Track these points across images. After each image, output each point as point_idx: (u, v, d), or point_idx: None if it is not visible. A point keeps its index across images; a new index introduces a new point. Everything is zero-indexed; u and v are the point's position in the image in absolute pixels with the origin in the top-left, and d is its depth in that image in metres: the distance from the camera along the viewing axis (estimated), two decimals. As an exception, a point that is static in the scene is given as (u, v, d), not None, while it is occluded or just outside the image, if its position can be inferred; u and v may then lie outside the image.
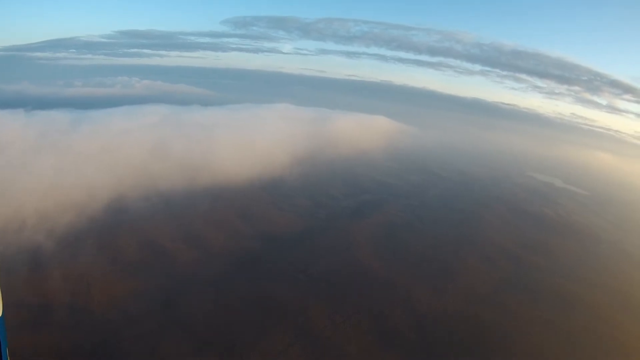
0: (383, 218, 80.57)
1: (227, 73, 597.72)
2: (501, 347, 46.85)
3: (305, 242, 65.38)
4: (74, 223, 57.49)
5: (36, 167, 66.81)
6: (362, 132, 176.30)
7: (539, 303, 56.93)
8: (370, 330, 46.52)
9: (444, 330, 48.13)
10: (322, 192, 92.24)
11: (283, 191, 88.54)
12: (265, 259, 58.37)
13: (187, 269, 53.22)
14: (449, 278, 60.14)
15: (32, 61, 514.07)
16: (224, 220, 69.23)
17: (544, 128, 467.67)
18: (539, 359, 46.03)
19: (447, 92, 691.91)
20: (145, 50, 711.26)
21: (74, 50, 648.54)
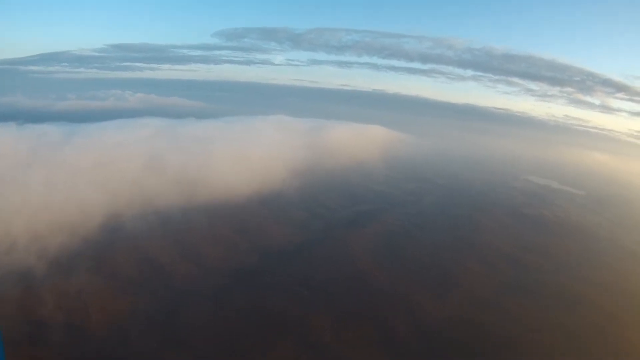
0: (381, 227, 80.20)
1: (219, 85, 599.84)
2: (507, 351, 46.41)
3: (303, 253, 64.86)
4: (67, 243, 55.64)
5: (27, 183, 64.87)
6: (358, 141, 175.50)
7: (542, 305, 56.67)
8: (373, 339, 46.27)
9: (448, 336, 47.83)
10: (318, 203, 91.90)
11: (280, 203, 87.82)
12: (264, 272, 57.86)
13: (186, 285, 52.57)
14: (450, 284, 60.09)
15: (25, 75, 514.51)
16: (222, 234, 68.48)
17: (537, 131, 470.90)
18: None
19: (440, 99, 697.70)
20: (137, 64, 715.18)
21: (67, 64, 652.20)
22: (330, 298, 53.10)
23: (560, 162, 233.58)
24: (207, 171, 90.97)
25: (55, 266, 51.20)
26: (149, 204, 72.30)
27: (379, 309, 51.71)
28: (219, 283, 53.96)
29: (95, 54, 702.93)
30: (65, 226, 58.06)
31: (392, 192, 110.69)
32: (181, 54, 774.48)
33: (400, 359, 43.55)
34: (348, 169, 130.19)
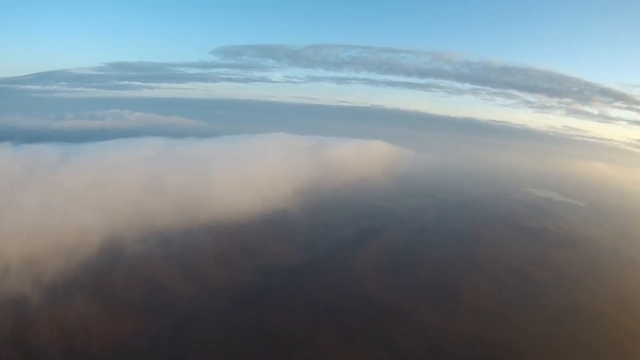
0: (385, 244, 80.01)
1: (218, 103, 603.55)
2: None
3: (308, 272, 64.33)
4: (63, 267, 53.15)
5: (21, 205, 62.24)
6: (360, 157, 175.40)
7: (552, 318, 56.19)
8: (383, 359, 45.36)
9: (459, 354, 47.11)
10: (322, 221, 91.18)
11: (283, 222, 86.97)
12: (268, 292, 57.15)
13: (189, 306, 51.55)
14: (457, 299, 59.54)
15: (23, 94, 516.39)
16: (225, 254, 67.64)
17: (536, 142, 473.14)
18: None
19: (438, 114, 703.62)
20: (135, 82, 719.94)
21: (65, 83, 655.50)
22: (336, 317, 52.25)
23: (561, 173, 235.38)
24: (208, 191, 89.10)
25: (51, 292, 49.42)
26: (149, 225, 70.28)
27: (387, 328, 50.74)
28: (223, 304, 52.95)
29: (94, 73, 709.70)
30: (61, 250, 55.64)
31: (394, 208, 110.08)
32: (179, 72, 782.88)
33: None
34: (351, 185, 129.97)
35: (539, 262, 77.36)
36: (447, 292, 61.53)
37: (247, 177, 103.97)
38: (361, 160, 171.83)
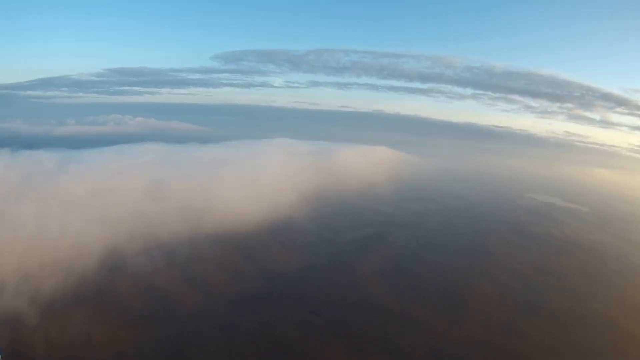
0: (389, 250, 79.60)
1: (219, 109, 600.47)
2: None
3: (313, 279, 63.81)
4: (62, 281, 50.60)
5: (18, 215, 59.42)
6: (363, 163, 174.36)
7: (559, 326, 55.69)
8: None
9: None
10: (326, 226, 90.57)
11: (287, 228, 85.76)
12: (273, 299, 56.44)
13: (192, 314, 50.70)
14: (464, 306, 59.08)
15: (24, 100, 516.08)
16: (229, 261, 66.68)
17: (538, 148, 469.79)
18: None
19: (439, 118, 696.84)
20: (136, 88, 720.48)
21: (66, 89, 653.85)
22: (342, 325, 51.53)
23: (563, 179, 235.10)
24: (212, 198, 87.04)
25: (51, 304, 47.42)
26: (151, 234, 68.05)
27: (394, 335, 50.01)
28: (227, 312, 52.17)
29: (94, 79, 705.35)
30: (60, 263, 52.81)
31: (397, 214, 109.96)
32: (180, 77, 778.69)
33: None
34: (355, 191, 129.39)
35: (545, 268, 77.03)
36: (453, 298, 61.02)
37: (251, 183, 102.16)
38: (365, 165, 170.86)
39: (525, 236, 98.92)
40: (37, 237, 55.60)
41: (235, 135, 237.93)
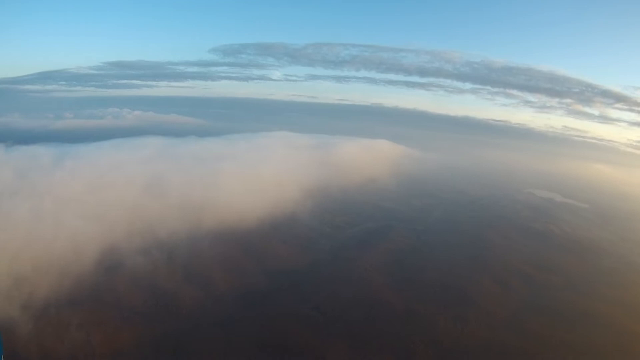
0: (391, 245, 78.80)
1: (217, 102, 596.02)
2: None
3: (314, 276, 62.87)
4: (57, 283, 48.59)
5: (11, 213, 57.42)
6: (365, 157, 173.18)
7: (562, 324, 55.27)
8: None
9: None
10: (328, 222, 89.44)
11: (290, 224, 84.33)
12: (275, 296, 55.53)
13: (193, 312, 49.73)
14: (467, 304, 58.36)
15: (23, 94, 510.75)
16: (230, 258, 65.42)
17: (536, 142, 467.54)
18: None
19: (438, 112, 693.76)
20: (134, 81, 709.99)
21: (64, 83, 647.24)
22: (344, 321, 50.83)
23: (561, 173, 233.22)
24: (212, 192, 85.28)
25: (48, 305, 45.86)
26: (150, 231, 66.28)
27: (399, 334, 49.28)
28: (228, 309, 51.38)
29: (93, 72, 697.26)
30: (55, 264, 50.85)
31: (397, 209, 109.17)
32: (178, 70, 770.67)
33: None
34: (356, 185, 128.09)
35: (546, 265, 76.55)
36: (455, 295, 60.45)
37: (251, 177, 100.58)
38: (366, 159, 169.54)
39: (526, 232, 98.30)
40: (31, 236, 53.75)
41: (234, 128, 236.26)
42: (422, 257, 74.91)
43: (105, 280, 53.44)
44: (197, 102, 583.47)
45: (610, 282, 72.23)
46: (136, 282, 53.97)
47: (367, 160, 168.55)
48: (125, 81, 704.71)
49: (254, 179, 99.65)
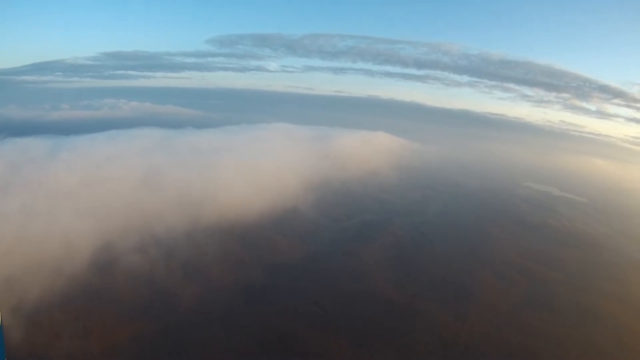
0: (390, 239, 78.94)
1: (214, 93, 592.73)
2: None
3: (314, 270, 62.09)
4: (50, 283, 47.24)
5: (1, 210, 55.66)
6: (364, 149, 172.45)
7: (562, 319, 55.51)
8: None
9: (474, 354, 45.95)
10: (326, 215, 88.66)
11: (289, 218, 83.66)
12: (274, 291, 54.92)
13: (193, 308, 49.12)
14: (468, 298, 58.30)
15: (19, 85, 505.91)
16: (229, 252, 64.73)
17: (533, 136, 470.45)
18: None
19: (434, 105, 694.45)
20: (131, 72, 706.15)
21: (60, 73, 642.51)
22: (345, 316, 50.50)
23: (558, 167, 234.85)
24: (211, 185, 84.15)
25: (44, 302, 44.72)
26: (147, 225, 65.15)
27: (400, 329, 49.05)
28: (228, 304, 50.81)
29: (89, 63, 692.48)
30: (47, 262, 49.57)
31: (395, 201, 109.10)
32: (175, 61, 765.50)
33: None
34: (356, 178, 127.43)
35: (545, 260, 76.74)
36: (458, 291, 60.19)
37: (249, 170, 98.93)
38: (364, 152, 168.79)
39: (524, 227, 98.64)
40: (24, 232, 52.22)
41: (231, 119, 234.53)
42: (421, 251, 74.64)
43: (103, 277, 52.37)
44: (194, 93, 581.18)
45: (609, 277, 72.69)
46: (134, 279, 53.05)
47: (366, 152, 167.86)
48: (122, 72, 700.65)
49: (253, 172, 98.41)
